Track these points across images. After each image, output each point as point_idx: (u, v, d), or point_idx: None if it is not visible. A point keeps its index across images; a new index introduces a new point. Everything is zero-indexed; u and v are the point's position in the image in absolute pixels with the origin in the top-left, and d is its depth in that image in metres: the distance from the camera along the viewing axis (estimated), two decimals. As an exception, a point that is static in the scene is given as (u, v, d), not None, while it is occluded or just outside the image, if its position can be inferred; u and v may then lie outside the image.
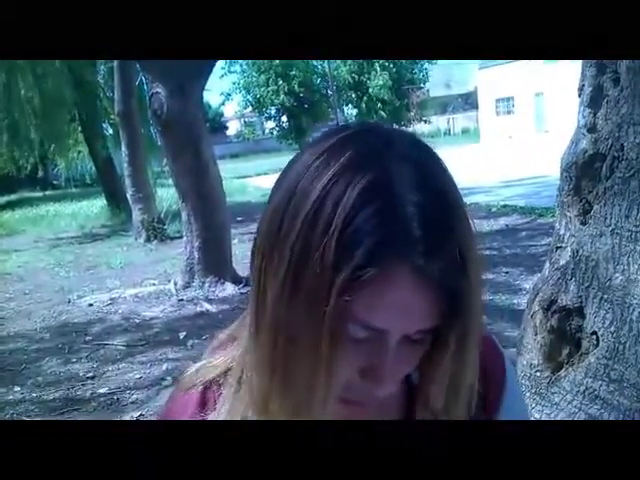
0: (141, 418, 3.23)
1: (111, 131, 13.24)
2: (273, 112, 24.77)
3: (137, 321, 5.10)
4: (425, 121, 26.90)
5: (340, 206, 0.44)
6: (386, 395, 0.51)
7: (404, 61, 25.29)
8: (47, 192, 21.89)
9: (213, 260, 5.79)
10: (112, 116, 10.80)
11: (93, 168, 14.22)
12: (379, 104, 25.01)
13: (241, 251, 7.07)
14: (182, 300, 5.53)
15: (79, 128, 13.18)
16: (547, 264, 1.75)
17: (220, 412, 0.57)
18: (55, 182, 21.51)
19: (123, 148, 9.38)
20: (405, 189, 0.45)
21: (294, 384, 0.49)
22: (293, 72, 22.81)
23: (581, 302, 1.61)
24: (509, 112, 28.96)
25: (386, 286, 0.45)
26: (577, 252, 1.63)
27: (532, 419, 1.60)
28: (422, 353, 0.51)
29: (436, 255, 0.45)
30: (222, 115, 46.70)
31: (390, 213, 0.45)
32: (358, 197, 0.45)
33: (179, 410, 0.60)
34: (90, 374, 3.97)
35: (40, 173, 17.46)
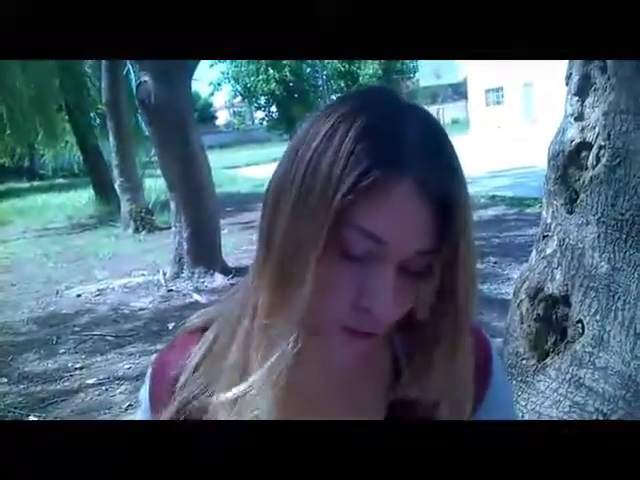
0: (130, 409, 3.22)
1: (98, 121, 13.09)
2: (263, 102, 24.60)
3: (126, 312, 5.08)
4: (415, 111, 26.91)
5: (351, 131, 0.50)
6: (384, 324, 0.53)
7: (394, 51, 24.97)
8: (34, 183, 21.66)
9: (202, 251, 5.76)
10: (99, 105, 10.68)
11: (80, 158, 14.04)
12: (369, 94, 24.97)
13: (231, 242, 7.05)
14: (171, 291, 5.50)
15: (66, 118, 13.01)
16: (534, 253, 1.75)
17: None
18: (42, 171, 21.26)
19: (110, 138, 9.28)
20: (412, 127, 0.52)
21: (287, 282, 0.52)
22: (284, 60, 22.69)
23: (567, 290, 1.62)
24: (498, 102, 28.98)
25: (389, 193, 0.49)
26: (563, 241, 1.63)
27: (521, 419, 1.61)
28: (417, 291, 0.53)
29: (435, 168, 0.50)
30: (211, 105, 46.37)
31: (396, 136, 0.50)
32: (368, 127, 0.50)
33: (181, 349, 0.63)
34: (78, 365, 3.95)
35: (26, 163, 17.21)
